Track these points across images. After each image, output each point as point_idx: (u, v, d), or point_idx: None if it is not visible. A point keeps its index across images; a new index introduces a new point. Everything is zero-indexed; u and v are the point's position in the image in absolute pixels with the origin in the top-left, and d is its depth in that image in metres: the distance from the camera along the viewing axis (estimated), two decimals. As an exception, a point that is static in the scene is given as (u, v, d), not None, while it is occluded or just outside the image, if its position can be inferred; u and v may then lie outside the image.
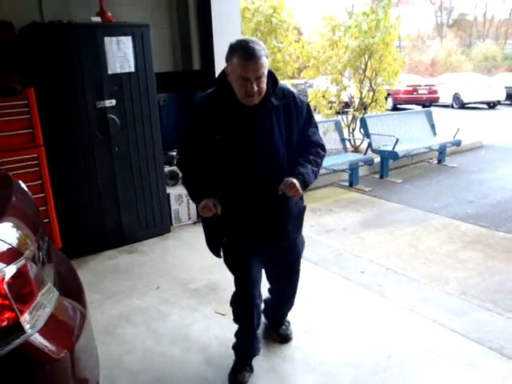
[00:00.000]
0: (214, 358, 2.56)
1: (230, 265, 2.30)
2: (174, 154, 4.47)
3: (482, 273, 3.44)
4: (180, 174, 4.48)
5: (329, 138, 6.11)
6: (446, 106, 15.94)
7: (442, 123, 7.42)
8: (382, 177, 6.12)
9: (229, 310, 2.97)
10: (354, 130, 7.04)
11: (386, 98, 15.13)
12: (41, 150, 3.61)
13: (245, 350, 2.41)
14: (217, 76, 2.09)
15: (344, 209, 5.00)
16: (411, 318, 2.85)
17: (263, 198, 2.10)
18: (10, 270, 1.41)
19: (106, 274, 3.63)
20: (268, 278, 2.53)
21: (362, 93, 6.91)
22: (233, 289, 2.36)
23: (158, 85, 4.18)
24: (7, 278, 1.39)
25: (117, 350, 2.67)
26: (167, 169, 4.47)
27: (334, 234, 4.28)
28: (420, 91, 15.29)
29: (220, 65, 4.29)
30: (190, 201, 4.64)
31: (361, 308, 2.98)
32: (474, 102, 15.51)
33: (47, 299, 1.55)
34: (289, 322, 2.75)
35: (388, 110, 14.66)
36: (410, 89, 15.08)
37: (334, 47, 6.54)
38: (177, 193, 4.56)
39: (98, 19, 3.74)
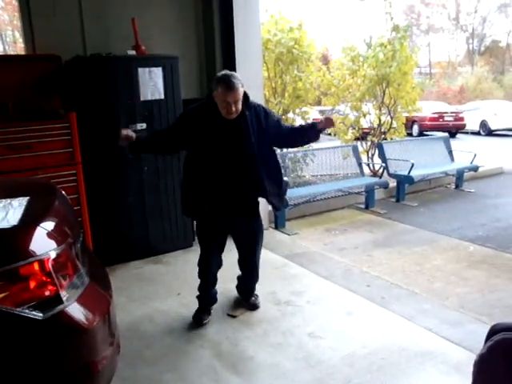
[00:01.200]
0: (224, 353, 2.84)
1: (201, 234, 3.14)
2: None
3: (483, 289, 3.61)
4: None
5: (347, 162, 6.40)
6: (474, 133, 15.95)
7: (465, 149, 7.52)
8: (398, 200, 6.32)
9: (241, 313, 3.30)
10: (373, 155, 7.29)
11: (412, 125, 15.46)
12: (79, 167, 4.04)
13: (204, 299, 3.25)
14: (206, 96, 3.04)
15: (358, 229, 5.24)
16: (408, 326, 3.06)
17: (240, 179, 2.91)
18: (54, 253, 1.77)
19: (132, 281, 3.98)
20: (239, 250, 3.28)
21: (380, 119, 7.18)
22: None
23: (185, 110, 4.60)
24: (52, 258, 1.74)
25: (139, 343, 2.99)
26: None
27: (345, 252, 4.52)
28: (446, 118, 15.41)
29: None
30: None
31: (362, 316, 3.21)
32: (502, 129, 15.48)
33: (80, 282, 1.89)
34: (257, 295, 3.43)
35: (414, 136, 14.89)
36: (436, 116, 15.23)
37: (354, 76, 6.89)
38: (200, 210, 4.91)
39: (133, 52, 4.21)
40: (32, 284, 1.68)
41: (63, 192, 2.45)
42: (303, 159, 6.39)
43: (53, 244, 1.79)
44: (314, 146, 7.12)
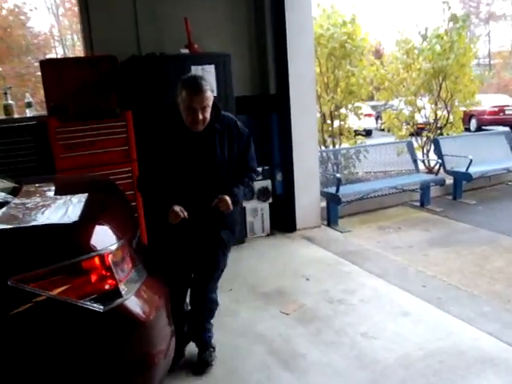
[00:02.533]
0: (276, 350, 2.84)
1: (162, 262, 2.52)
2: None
3: (550, 293, 3.40)
4: (255, 189, 4.86)
5: (401, 158, 6.21)
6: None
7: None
8: (455, 198, 6.06)
9: (293, 311, 3.29)
10: (428, 151, 7.03)
11: (470, 120, 14.77)
12: (134, 165, 4.14)
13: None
14: (167, 105, 2.54)
15: (413, 227, 5.07)
16: (467, 329, 2.93)
17: (204, 206, 2.43)
18: (114, 248, 1.83)
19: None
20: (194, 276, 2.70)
21: (436, 114, 6.91)
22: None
23: (239, 107, 4.64)
24: (112, 253, 1.80)
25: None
26: (242, 184, 4.86)
27: (399, 251, 4.39)
28: (508, 112, 14.58)
29: (294, 89, 4.73)
30: (264, 214, 5.01)
31: (418, 317, 3.11)
32: None
33: (138, 276, 1.95)
34: (214, 348, 2.75)
35: (471, 131, 14.22)
36: (496, 109, 14.45)
37: (408, 70, 6.66)
38: (252, 207, 4.93)
39: (186, 51, 4.28)
40: (93, 278, 1.75)
41: (121, 189, 2.53)
42: (356, 156, 6.26)
43: (112, 239, 1.86)
44: (367, 141, 7.01)
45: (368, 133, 13.92)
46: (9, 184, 2.39)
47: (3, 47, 8.32)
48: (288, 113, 4.74)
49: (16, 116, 4.36)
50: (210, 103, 2.37)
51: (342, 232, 5.00)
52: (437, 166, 6.68)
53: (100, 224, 1.87)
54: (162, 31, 4.57)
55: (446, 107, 6.80)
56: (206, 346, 2.72)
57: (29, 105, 4.43)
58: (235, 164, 2.52)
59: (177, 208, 2.38)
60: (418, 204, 5.85)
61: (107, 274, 1.78)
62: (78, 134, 3.94)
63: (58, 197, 2.26)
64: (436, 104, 6.79)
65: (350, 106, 6.62)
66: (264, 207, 4.94)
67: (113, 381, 1.79)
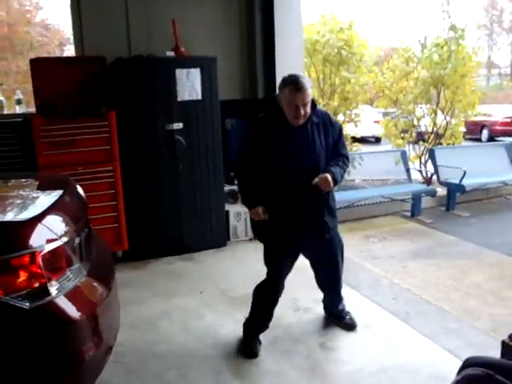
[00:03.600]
0: (232, 356, 2.83)
1: (269, 259, 2.82)
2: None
3: (523, 312, 3.31)
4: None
5: (398, 167, 6.14)
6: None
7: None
8: (447, 209, 5.97)
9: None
10: (426, 161, 6.94)
11: (481, 130, 14.54)
12: (116, 164, 4.21)
13: (260, 327, 2.91)
14: (269, 103, 2.81)
15: (398, 238, 5.01)
16: (428, 346, 2.88)
17: (306, 198, 2.62)
18: (47, 248, 1.85)
19: (160, 277, 4.09)
20: (315, 272, 3.06)
21: (435, 124, 6.82)
22: None
23: (227, 110, 4.66)
24: (43, 252, 1.82)
25: (152, 338, 3.07)
26: (228, 188, 4.87)
27: (379, 261, 4.35)
28: (520, 123, 14.31)
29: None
30: (248, 218, 5.00)
31: (380, 331, 3.06)
32: None
33: (74, 275, 1.97)
34: (349, 312, 3.16)
35: (483, 142, 13.99)
36: (509, 120, 14.19)
37: (408, 78, 6.59)
38: (236, 210, 4.93)
39: (171, 53, 4.31)
40: (22, 275, 1.78)
41: (77, 186, 2.56)
42: (351, 163, 6.22)
43: (47, 238, 1.87)
44: (362, 149, 6.95)
45: (377, 140, 13.80)
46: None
47: (7, 44, 8.54)
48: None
49: (5, 112, 4.45)
50: (310, 99, 2.56)
51: (325, 239, 4.95)
52: (434, 177, 6.59)
53: (35, 222, 1.88)
54: (153, 32, 4.62)
55: (445, 117, 6.70)
56: (342, 314, 3.13)
57: (19, 102, 4.53)
58: (330, 152, 2.71)
59: (260, 209, 2.62)
60: (408, 214, 5.77)
61: (37, 272, 1.79)
62: (62, 133, 4.01)
63: (6, 194, 2.30)
64: (435, 113, 6.69)
65: (347, 112, 6.58)
66: (248, 211, 4.92)
67: (40, 376, 1.81)
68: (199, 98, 4.37)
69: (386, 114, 14.86)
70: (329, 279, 3.04)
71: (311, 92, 2.56)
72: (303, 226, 2.69)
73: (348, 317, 3.13)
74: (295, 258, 2.87)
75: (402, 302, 3.48)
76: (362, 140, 10.29)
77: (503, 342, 2.00)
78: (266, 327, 2.93)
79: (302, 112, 2.52)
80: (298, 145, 2.60)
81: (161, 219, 4.49)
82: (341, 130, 2.82)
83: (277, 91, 4.66)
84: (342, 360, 2.74)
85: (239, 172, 2.79)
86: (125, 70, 4.20)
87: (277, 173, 2.61)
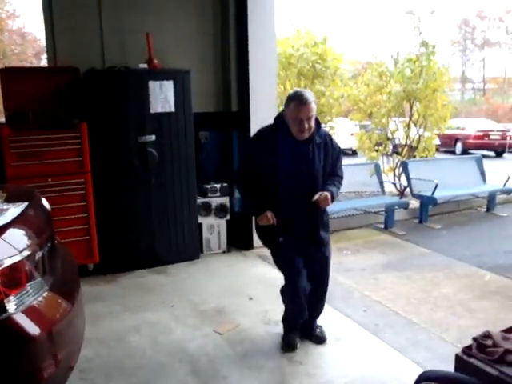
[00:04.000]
0: (200, 370, 2.80)
1: (282, 260, 2.94)
2: (209, 186, 4.85)
3: (489, 323, 3.34)
4: (212, 205, 4.87)
5: (372, 180, 6.22)
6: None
7: (506, 171, 7.06)
8: (420, 222, 6.07)
9: (227, 331, 3.26)
10: (400, 174, 7.05)
11: (455, 143, 14.86)
12: (88, 176, 4.16)
13: (297, 320, 3.01)
14: (274, 117, 2.86)
15: (371, 250, 5.06)
16: (395, 358, 2.90)
17: (304, 210, 2.76)
18: (6, 263, 1.81)
19: (131, 290, 4.03)
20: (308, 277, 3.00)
21: (408, 137, 6.95)
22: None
23: (201, 123, 4.66)
24: (1, 267, 1.78)
25: (121, 353, 3.01)
26: (201, 200, 4.84)
27: (351, 274, 4.38)
28: (492, 137, 14.70)
29: (254, 107, 4.75)
30: (221, 231, 4.99)
31: (349, 343, 3.07)
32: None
33: (34, 290, 1.93)
34: (321, 327, 3.17)
35: (457, 154, 14.30)
36: (481, 134, 14.56)
37: (382, 92, 6.71)
38: (209, 223, 4.92)
39: (145, 65, 4.31)
40: (-23, 291, 1.73)
41: (42, 199, 2.52)
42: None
43: (6, 253, 1.83)
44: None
45: (354, 152, 13.94)
46: None
47: None
48: (248, 130, 4.74)
49: (-25, 123, 4.36)
50: (314, 114, 2.67)
51: (299, 252, 4.97)
52: (407, 189, 6.69)
53: (-7, 238, 1.85)
54: (127, 44, 4.60)
55: (418, 130, 6.84)
56: (314, 326, 3.14)
57: (-12, 112, 4.44)
58: (328, 171, 2.84)
59: (269, 214, 2.73)
60: (382, 226, 5.85)
61: (-7, 287, 1.76)
62: (31, 143, 3.95)
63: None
64: (408, 127, 6.83)
65: (322, 125, 6.63)
66: (221, 224, 4.93)
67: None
68: (172, 110, 4.37)
69: (362, 127, 15.09)
70: (318, 293, 3.05)
71: (315, 106, 2.66)
72: (302, 237, 2.84)
73: (318, 330, 3.13)
74: (305, 256, 2.90)
75: (372, 314, 3.51)
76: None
77: (457, 356, 2.02)
78: (301, 318, 2.99)
79: (306, 126, 2.62)
80: (299, 160, 2.72)
81: (133, 232, 4.44)
82: (340, 152, 2.94)
83: (250, 104, 4.83)
84: (309, 373, 2.74)
85: (242, 180, 2.91)
86: (97, 81, 4.17)
87: (280, 182, 2.73)
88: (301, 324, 3.08)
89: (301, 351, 2.98)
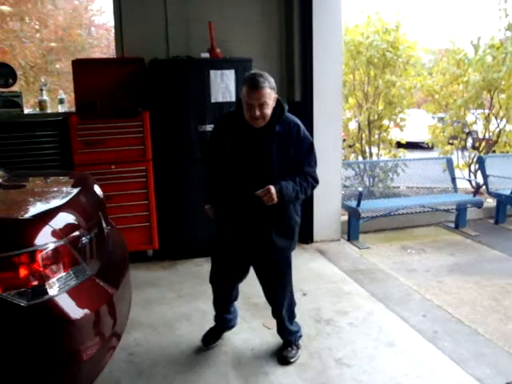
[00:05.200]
0: (243, 364, 2.77)
1: (214, 249, 2.76)
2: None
3: None
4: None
5: (442, 175, 5.83)
6: None
7: None
8: (496, 222, 5.58)
9: (276, 326, 3.18)
10: (477, 170, 6.54)
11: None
12: (149, 164, 4.26)
13: (216, 320, 2.98)
14: (236, 101, 2.64)
15: (438, 250, 4.73)
16: (453, 370, 2.67)
17: (253, 207, 2.43)
18: (49, 247, 1.87)
19: (187, 278, 4.08)
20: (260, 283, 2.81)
21: (488, 130, 6.41)
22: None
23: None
24: (45, 251, 1.84)
25: (168, 340, 3.06)
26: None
27: (413, 274, 4.12)
28: None
29: (318, 97, 4.60)
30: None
31: (403, 350, 2.88)
32: None
33: (77, 274, 1.98)
34: (297, 347, 2.83)
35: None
36: None
37: (459, 82, 6.23)
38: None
39: (206, 55, 4.31)
40: (21, 273, 1.80)
41: (95, 184, 2.59)
42: (394, 169, 5.99)
43: (49, 237, 1.89)
44: (408, 155, 6.66)
45: (432, 146, 13.22)
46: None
47: (61, 46, 9.00)
48: (311, 121, 4.61)
49: (49, 111, 4.62)
50: (270, 100, 2.36)
51: (359, 248, 4.78)
52: (481, 186, 6.19)
53: (39, 221, 1.91)
54: (191, 34, 4.63)
55: (498, 124, 6.28)
56: (287, 343, 2.83)
57: (61, 101, 4.68)
58: (289, 168, 2.47)
59: (207, 206, 2.70)
60: (452, 225, 5.45)
61: (36, 270, 1.82)
62: (96, 132, 4.11)
63: (22, 191, 2.36)
64: (487, 120, 6.29)
65: (393, 116, 6.31)
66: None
67: (36, 373, 1.83)
68: (233, 99, 4.33)
69: (441, 119, 14.29)
70: (269, 300, 2.84)
71: (270, 92, 2.35)
72: (249, 238, 2.56)
73: (289, 348, 2.79)
74: (252, 260, 2.69)
75: (431, 320, 3.27)
76: (416, 146, 9.89)
77: None
78: (222, 322, 2.97)
79: (258, 113, 2.33)
80: (252, 150, 2.44)
81: (192, 220, 4.48)
82: (310, 147, 2.52)
83: (314, 94, 4.69)
84: (356, 378, 2.60)
85: (205, 174, 2.80)
86: (160, 71, 4.24)
87: (230, 173, 2.52)
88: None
89: (350, 353, 2.84)
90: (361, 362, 2.76)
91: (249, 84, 2.34)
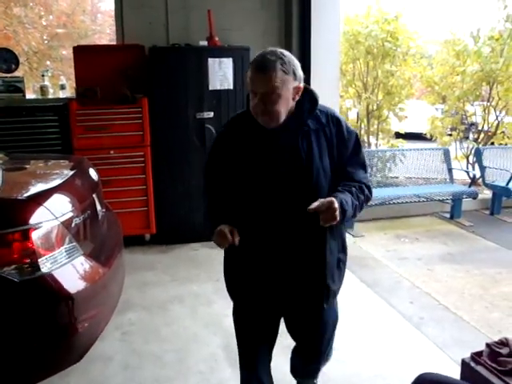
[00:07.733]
0: (232, 346, 2.84)
1: (240, 323, 2.02)
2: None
3: (550, 329, 3.08)
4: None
5: (440, 166, 5.87)
6: None
7: None
8: (492, 213, 5.63)
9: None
10: (475, 161, 6.56)
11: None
12: (147, 150, 4.34)
13: None
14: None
15: (431, 239, 4.80)
16: (436, 355, 2.75)
17: (291, 240, 1.73)
18: (43, 226, 1.95)
19: (182, 262, 4.18)
20: (293, 338, 2.12)
21: (486, 122, 6.42)
22: None
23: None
24: (38, 230, 1.93)
25: (160, 321, 3.16)
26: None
27: (404, 262, 4.19)
28: None
29: (315, 84, 4.60)
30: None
31: (387, 334, 2.97)
32: None
33: (69, 253, 2.06)
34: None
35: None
36: None
37: (457, 73, 6.23)
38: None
39: (205, 43, 4.36)
40: (15, 250, 1.89)
41: (91, 168, 2.67)
42: (392, 159, 6.03)
43: (43, 216, 1.98)
44: (405, 146, 6.70)
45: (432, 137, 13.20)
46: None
47: (64, 32, 9.09)
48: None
49: (50, 96, 4.69)
50: (283, 91, 1.62)
51: (353, 236, 4.85)
52: (481, 178, 6.22)
53: (33, 201, 2.00)
54: (190, 21, 4.67)
55: (497, 116, 6.29)
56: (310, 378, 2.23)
57: (62, 87, 4.74)
58: (334, 177, 1.76)
59: (225, 229, 1.69)
60: (447, 216, 5.51)
61: (29, 248, 1.90)
62: (96, 117, 4.19)
63: (18, 173, 2.45)
64: (485, 111, 6.30)
65: (391, 106, 6.34)
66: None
67: (32, 343, 1.93)
68: (231, 87, 4.39)
69: (446, 111, 14.23)
70: (304, 358, 2.18)
71: (285, 79, 1.61)
72: (287, 286, 1.81)
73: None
74: (285, 315, 1.99)
75: (418, 306, 3.35)
76: (418, 137, 9.90)
77: (463, 361, 1.84)
78: None
79: (262, 106, 1.63)
80: (283, 161, 1.69)
81: (189, 205, 4.57)
82: (357, 144, 1.81)
83: (311, 81, 4.73)
84: (340, 360, 2.67)
85: (204, 191, 1.92)
86: (159, 58, 4.30)
87: (255, 198, 1.72)
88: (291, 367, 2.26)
89: (336, 336, 2.92)
90: (344, 345, 2.83)
91: (254, 65, 1.65)
